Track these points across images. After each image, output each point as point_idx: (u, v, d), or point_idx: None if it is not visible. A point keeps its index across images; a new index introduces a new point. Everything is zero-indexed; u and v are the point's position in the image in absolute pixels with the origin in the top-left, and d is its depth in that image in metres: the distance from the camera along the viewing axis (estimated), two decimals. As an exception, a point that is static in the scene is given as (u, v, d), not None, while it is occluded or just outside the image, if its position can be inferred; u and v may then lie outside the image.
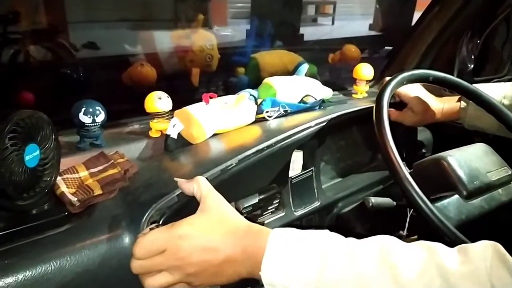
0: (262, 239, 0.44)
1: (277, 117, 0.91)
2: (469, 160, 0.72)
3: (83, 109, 0.74)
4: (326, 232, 0.46)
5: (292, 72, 1.15)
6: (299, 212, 0.85)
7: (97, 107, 0.75)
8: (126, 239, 0.60)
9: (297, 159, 0.87)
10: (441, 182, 0.69)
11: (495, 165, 0.73)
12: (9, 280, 0.51)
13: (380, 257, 0.40)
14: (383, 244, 0.42)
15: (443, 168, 0.69)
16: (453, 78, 0.83)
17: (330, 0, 6.59)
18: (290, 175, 0.83)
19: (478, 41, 1.19)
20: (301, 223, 0.88)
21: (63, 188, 0.65)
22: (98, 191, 0.65)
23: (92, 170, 0.70)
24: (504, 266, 0.36)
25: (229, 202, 0.51)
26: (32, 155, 0.60)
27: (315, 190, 0.87)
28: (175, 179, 0.56)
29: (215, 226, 0.47)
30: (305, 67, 1.14)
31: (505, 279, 0.35)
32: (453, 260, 0.38)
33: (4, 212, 0.59)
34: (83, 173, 0.69)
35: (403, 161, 0.99)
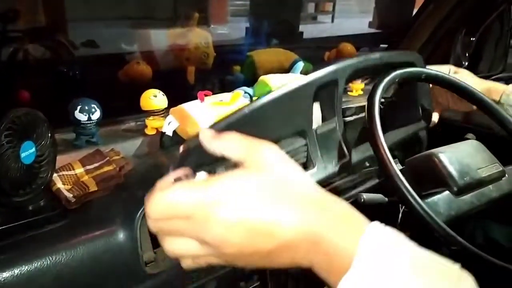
0: (351, 228, 0.31)
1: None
2: (460, 156, 0.73)
3: (79, 107, 0.75)
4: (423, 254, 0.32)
5: (288, 69, 1.16)
6: (330, 169, 0.75)
7: (92, 105, 0.76)
8: (121, 235, 0.61)
9: (316, 111, 0.77)
10: (432, 178, 0.70)
11: (486, 162, 0.74)
12: (6, 274, 0.52)
13: None
14: None
15: (434, 164, 0.70)
16: (445, 75, 0.84)
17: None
18: (313, 127, 0.73)
19: (473, 39, 1.20)
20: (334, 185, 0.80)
21: (59, 184, 0.66)
22: (93, 188, 0.66)
23: (88, 167, 0.71)
24: None
25: None
26: (28, 152, 0.61)
27: (342, 143, 0.78)
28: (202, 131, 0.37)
29: (271, 193, 0.31)
30: (300, 64, 1.14)
31: None
32: None
33: (0, 208, 0.60)
34: (79, 170, 0.70)
35: (396, 157, 1.00)
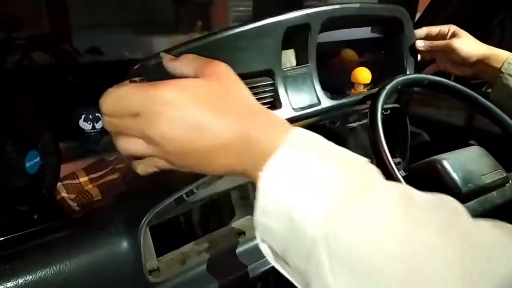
0: (279, 131, 0.33)
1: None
2: (464, 163, 0.73)
3: (83, 116, 0.75)
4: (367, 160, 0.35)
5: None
6: (299, 111, 0.74)
7: (96, 114, 0.76)
8: (124, 244, 0.61)
9: (291, 57, 0.77)
10: (435, 185, 0.70)
11: (489, 168, 0.74)
12: (10, 284, 0.52)
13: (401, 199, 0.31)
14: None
15: (437, 171, 0.70)
16: (448, 81, 0.84)
17: (332, 3, 6.61)
18: (282, 67, 0.73)
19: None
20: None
21: (63, 193, 0.67)
22: (97, 197, 0.66)
23: (92, 176, 0.72)
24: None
25: None
26: (32, 161, 0.61)
27: (315, 90, 0.77)
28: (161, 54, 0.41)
29: (215, 97, 0.34)
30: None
31: None
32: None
33: (5, 218, 0.60)
34: (83, 179, 0.71)
35: (399, 164, 1.00)
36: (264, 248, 0.35)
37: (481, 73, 0.88)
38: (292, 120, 0.71)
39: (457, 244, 0.28)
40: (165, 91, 0.34)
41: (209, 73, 0.36)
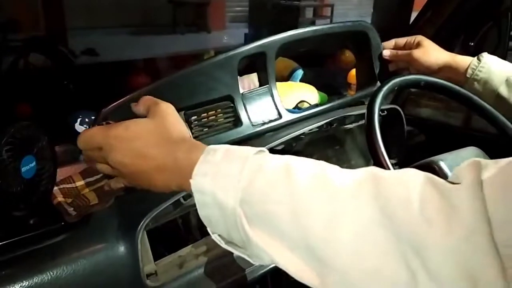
0: (197, 151, 0.42)
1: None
2: (460, 163, 0.72)
3: (79, 119, 0.75)
4: (265, 151, 0.43)
5: (287, 78, 1.16)
6: (260, 127, 0.82)
7: (93, 117, 0.76)
8: (122, 248, 0.61)
9: (252, 79, 0.87)
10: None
11: (486, 168, 0.74)
12: (6, 290, 0.52)
13: (316, 172, 0.39)
14: (321, 164, 0.41)
15: (434, 172, 0.70)
16: (445, 82, 0.84)
17: (328, 3, 6.63)
18: (241, 91, 0.81)
19: (471, 43, 1.20)
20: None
21: (59, 198, 0.67)
22: (94, 201, 0.66)
23: (88, 180, 0.71)
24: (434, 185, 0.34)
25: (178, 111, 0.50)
26: (28, 166, 0.61)
27: (275, 106, 0.85)
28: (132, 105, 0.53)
29: (151, 133, 0.46)
30: (299, 73, 1.15)
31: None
32: (389, 172, 0.38)
33: (1, 223, 0.60)
34: (80, 183, 0.70)
35: (396, 165, 1.00)
36: (216, 238, 0.42)
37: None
38: (253, 136, 0.81)
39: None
40: (116, 130, 0.47)
41: (153, 112, 0.48)
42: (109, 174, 0.50)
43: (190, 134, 0.52)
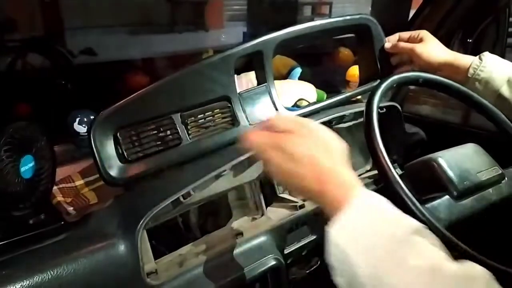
0: (348, 192, 0.45)
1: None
2: (460, 160, 0.73)
3: (77, 119, 0.75)
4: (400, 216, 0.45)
5: (285, 76, 1.16)
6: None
7: (91, 116, 0.76)
8: (122, 247, 0.61)
9: (250, 78, 0.87)
10: (431, 183, 0.70)
11: (485, 165, 0.74)
12: (6, 290, 0.52)
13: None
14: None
15: (433, 169, 0.70)
16: (444, 79, 0.84)
17: (326, 0, 6.62)
18: (238, 91, 0.81)
19: (470, 40, 1.20)
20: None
21: (59, 197, 0.67)
22: (94, 200, 0.66)
23: (88, 179, 0.71)
24: None
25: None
26: (27, 166, 0.61)
27: (274, 104, 0.85)
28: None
29: (337, 149, 0.49)
30: (298, 71, 1.15)
31: None
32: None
33: (0, 223, 0.60)
34: (79, 182, 0.71)
35: (395, 162, 1.00)
36: (340, 283, 0.44)
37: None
38: None
39: None
40: (315, 124, 0.51)
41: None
42: (268, 157, 0.49)
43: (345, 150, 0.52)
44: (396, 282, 0.38)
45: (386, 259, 0.40)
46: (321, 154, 0.47)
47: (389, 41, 0.96)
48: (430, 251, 0.41)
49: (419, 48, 0.90)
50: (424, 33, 0.93)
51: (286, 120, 0.52)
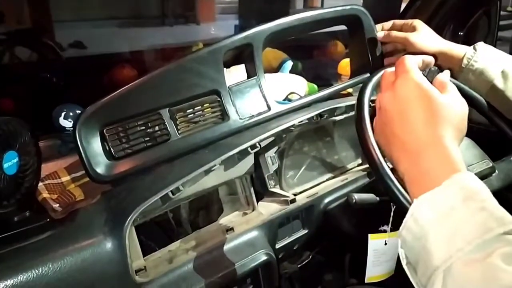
0: (447, 169, 0.40)
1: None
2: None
3: (63, 113, 0.73)
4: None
5: (276, 69, 1.15)
6: (248, 120, 0.81)
7: (77, 111, 0.74)
8: (109, 244, 0.59)
9: (242, 71, 0.86)
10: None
11: (476, 158, 0.74)
12: (-10, 289, 0.51)
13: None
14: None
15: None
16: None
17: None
18: (227, 84, 0.80)
19: (460, 33, 1.20)
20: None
21: (44, 194, 0.65)
22: (80, 197, 0.65)
23: (74, 175, 0.70)
24: None
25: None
26: (11, 162, 0.59)
27: (264, 98, 0.84)
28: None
29: (460, 125, 0.46)
30: (289, 64, 1.14)
31: None
32: None
33: (-16, 221, 0.59)
34: (65, 178, 0.69)
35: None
36: (400, 252, 0.42)
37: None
38: (241, 129, 0.80)
39: None
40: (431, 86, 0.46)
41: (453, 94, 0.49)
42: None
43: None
44: (472, 278, 0.35)
45: (470, 253, 0.35)
46: (447, 126, 0.44)
47: (384, 28, 0.95)
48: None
49: (412, 37, 0.89)
50: (417, 22, 0.91)
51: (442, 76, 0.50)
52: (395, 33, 0.92)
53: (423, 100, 0.45)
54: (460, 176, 0.39)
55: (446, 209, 0.38)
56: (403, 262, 0.42)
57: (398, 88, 0.47)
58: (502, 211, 0.38)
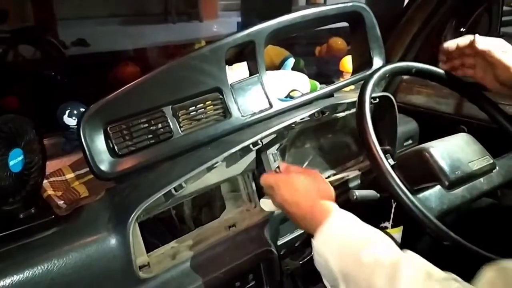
0: (325, 216, 0.57)
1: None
2: (451, 150, 0.72)
3: (67, 111, 0.74)
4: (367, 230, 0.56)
5: (278, 66, 1.15)
6: (250, 118, 0.81)
7: (81, 109, 0.75)
8: (113, 241, 0.60)
9: (244, 68, 0.86)
10: (423, 173, 0.70)
11: (476, 155, 0.74)
12: (-4, 285, 0.52)
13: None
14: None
15: (425, 159, 0.70)
16: (436, 69, 0.84)
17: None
18: (229, 82, 0.80)
19: (463, 29, 1.20)
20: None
21: (49, 191, 0.66)
22: (84, 194, 0.66)
23: (78, 172, 0.71)
24: None
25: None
26: (16, 159, 0.60)
27: (266, 95, 0.84)
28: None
29: (312, 188, 0.62)
30: (291, 61, 1.14)
31: None
32: None
33: (-11, 218, 0.60)
34: (70, 175, 0.70)
35: (388, 152, 1.00)
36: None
37: None
38: (243, 126, 0.81)
39: None
40: (298, 176, 0.64)
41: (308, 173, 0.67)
42: (271, 193, 0.65)
43: (332, 191, 0.65)
44: (357, 275, 0.51)
45: (352, 261, 0.52)
46: (315, 192, 0.61)
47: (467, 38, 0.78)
48: (384, 251, 0.52)
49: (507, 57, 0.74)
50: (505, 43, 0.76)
51: (295, 169, 0.68)
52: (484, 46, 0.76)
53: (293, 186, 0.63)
54: (334, 218, 0.57)
55: (333, 240, 0.55)
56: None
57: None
58: (364, 228, 0.56)
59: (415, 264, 0.50)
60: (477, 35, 0.77)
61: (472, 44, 0.77)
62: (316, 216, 0.58)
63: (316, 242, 0.56)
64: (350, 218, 0.58)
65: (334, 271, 0.53)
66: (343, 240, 0.55)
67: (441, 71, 0.84)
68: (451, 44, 0.79)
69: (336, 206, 0.60)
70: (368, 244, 0.53)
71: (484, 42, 0.76)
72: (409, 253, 0.52)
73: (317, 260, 0.56)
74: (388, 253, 0.51)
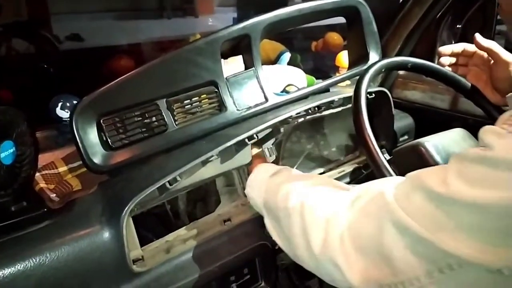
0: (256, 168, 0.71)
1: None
2: (447, 145, 0.72)
3: (60, 104, 0.73)
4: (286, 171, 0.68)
5: (274, 61, 1.14)
6: (245, 112, 0.80)
7: (74, 101, 0.74)
8: (106, 234, 0.60)
9: (239, 62, 0.86)
10: (419, 167, 0.70)
11: (472, 150, 0.74)
12: (-13, 278, 0.51)
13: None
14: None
15: (421, 154, 0.70)
16: (432, 64, 0.83)
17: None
18: (225, 75, 0.80)
19: (458, 26, 1.20)
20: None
21: (42, 184, 0.65)
22: (77, 187, 0.65)
23: (71, 165, 0.70)
24: None
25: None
26: (7, 152, 0.59)
27: (262, 89, 0.84)
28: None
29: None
30: (287, 55, 1.13)
31: None
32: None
33: (-19, 211, 0.59)
34: (62, 168, 0.69)
35: (384, 147, 1.00)
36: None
37: None
38: (239, 120, 0.80)
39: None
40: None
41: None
42: None
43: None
44: (276, 204, 0.61)
45: (270, 195, 0.63)
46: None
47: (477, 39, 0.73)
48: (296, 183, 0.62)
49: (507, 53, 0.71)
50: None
51: None
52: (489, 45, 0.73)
53: None
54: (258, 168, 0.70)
55: (256, 184, 0.67)
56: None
57: None
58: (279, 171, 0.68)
59: (324, 183, 0.60)
60: (477, 34, 0.74)
61: (464, 52, 0.75)
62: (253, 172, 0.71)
63: (246, 190, 0.69)
64: (270, 167, 0.70)
65: (259, 207, 0.65)
66: (263, 182, 0.66)
67: (436, 66, 0.84)
68: (446, 49, 0.77)
69: (265, 163, 0.73)
70: (284, 182, 0.63)
71: (486, 40, 0.73)
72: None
73: (251, 203, 0.69)
74: (301, 183, 0.61)
